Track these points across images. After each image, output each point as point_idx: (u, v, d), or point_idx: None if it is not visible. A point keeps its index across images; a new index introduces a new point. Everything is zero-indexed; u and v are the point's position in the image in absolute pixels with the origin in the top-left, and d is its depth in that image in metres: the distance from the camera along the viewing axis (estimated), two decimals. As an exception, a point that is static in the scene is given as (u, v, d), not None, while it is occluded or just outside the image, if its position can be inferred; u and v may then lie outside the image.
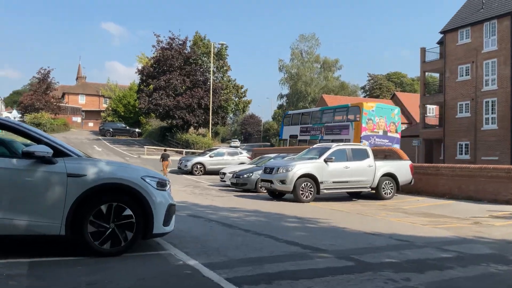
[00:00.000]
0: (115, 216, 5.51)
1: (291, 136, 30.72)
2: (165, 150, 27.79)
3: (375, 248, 6.85)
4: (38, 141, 5.46)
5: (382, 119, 25.09)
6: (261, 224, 9.16)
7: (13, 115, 56.68)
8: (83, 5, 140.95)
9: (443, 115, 37.97)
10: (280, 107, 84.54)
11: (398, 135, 25.83)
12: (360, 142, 22.85)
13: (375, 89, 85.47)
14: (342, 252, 6.43)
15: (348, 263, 5.78)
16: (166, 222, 5.87)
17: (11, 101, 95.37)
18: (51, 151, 5.29)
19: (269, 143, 72.93)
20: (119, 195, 5.59)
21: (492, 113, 34.14)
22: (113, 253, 5.48)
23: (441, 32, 38.18)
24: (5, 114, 59.43)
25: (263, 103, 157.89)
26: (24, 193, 5.22)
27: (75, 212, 5.33)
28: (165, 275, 4.83)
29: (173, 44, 43.63)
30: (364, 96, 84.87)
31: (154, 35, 45.09)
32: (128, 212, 5.58)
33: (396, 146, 23.88)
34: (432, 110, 46.96)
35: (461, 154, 36.12)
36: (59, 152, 5.44)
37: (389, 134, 25.37)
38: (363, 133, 24.33)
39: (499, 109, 33.41)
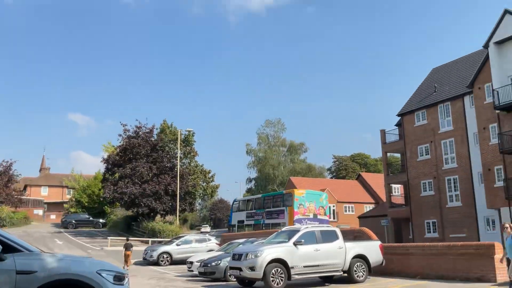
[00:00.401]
0: (69, 315, 5.07)
1: (238, 221, 32.85)
2: (127, 240, 26.63)
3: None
4: (-15, 237, 5.12)
5: (312, 204, 27.93)
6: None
7: (-30, 210, 53.97)
8: (52, 97, 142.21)
9: (408, 194, 38.71)
10: (249, 190, 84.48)
11: (327, 218, 28.56)
12: (294, 225, 25.10)
13: (340, 170, 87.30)
14: None
15: None
16: (124, 320, 5.44)
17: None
18: (0, 247, 4.95)
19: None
20: (73, 292, 5.19)
21: (455, 191, 35.06)
22: None
23: (398, 115, 40.13)
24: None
25: (232, 187, 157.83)
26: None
27: (25, 313, 4.88)
28: None
29: (140, 132, 43.89)
30: (331, 177, 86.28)
31: (121, 124, 45.37)
32: (82, 309, 5.15)
33: (325, 228, 25.79)
34: (398, 189, 47.94)
35: (429, 232, 36.37)
36: (9, 248, 5.10)
37: (318, 217, 27.93)
38: (296, 217, 26.80)
39: (461, 186, 34.39)
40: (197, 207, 68.93)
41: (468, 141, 34.05)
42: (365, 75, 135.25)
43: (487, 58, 30.94)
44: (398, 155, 45.96)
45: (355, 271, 14.73)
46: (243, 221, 32.35)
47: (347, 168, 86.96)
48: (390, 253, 16.34)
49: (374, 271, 15.83)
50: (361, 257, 14.99)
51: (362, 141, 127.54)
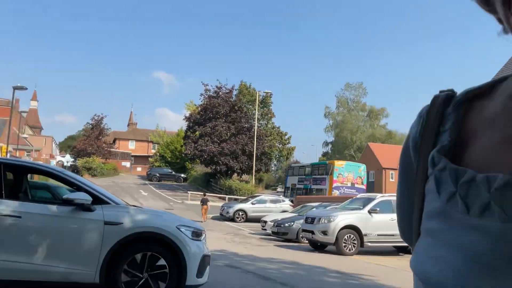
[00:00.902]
0: (149, 266, 5.46)
1: (292, 184, 36.99)
2: (204, 195, 27.97)
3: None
4: (78, 188, 5.59)
5: (350, 174, 31.77)
6: (299, 277, 8.83)
7: (66, 159, 59.21)
8: (138, 56, 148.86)
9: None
10: (325, 154, 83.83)
11: (364, 187, 32.32)
12: (332, 191, 29.73)
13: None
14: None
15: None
16: (199, 274, 5.74)
17: (66, 146, 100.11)
18: (90, 198, 5.38)
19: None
20: (153, 244, 5.56)
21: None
22: (145, 303, 5.40)
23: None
24: (58, 158, 62.40)
25: (308, 150, 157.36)
26: (63, 240, 5.30)
27: (110, 260, 5.32)
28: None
29: (220, 92, 44.84)
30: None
31: (202, 84, 46.59)
32: (162, 262, 5.51)
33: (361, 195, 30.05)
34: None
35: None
36: (98, 200, 5.53)
37: (356, 185, 31.52)
38: (334, 184, 30.72)
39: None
40: (273, 168, 69.94)
41: None
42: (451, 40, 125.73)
43: None
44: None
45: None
46: (295, 184, 36.34)
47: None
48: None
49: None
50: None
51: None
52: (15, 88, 26.06)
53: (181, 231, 5.68)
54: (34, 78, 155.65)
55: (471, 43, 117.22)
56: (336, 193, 29.70)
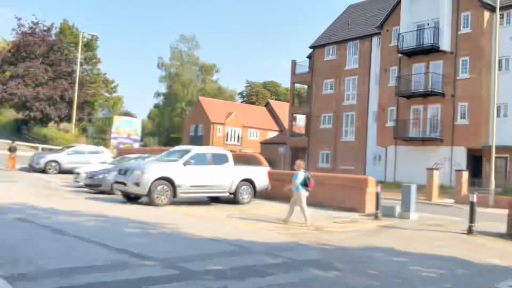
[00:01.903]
0: None
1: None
2: (12, 142, 25.27)
3: (208, 255, 6.74)
4: None
5: (126, 127, 38.72)
6: (98, 230, 8.53)
7: None
8: None
9: (309, 125, 40.43)
10: (156, 106, 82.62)
11: (138, 138, 39.57)
12: (111, 141, 37.14)
13: (252, 96, 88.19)
14: (171, 260, 6.19)
15: (171, 271, 5.55)
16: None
17: None
18: None
19: (142, 142, 70.78)
20: None
21: (350, 126, 37.24)
22: None
23: (310, 47, 40.66)
24: None
25: (140, 100, 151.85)
26: None
27: None
28: None
29: (37, 30, 39.88)
30: (242, 101, 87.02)
31: (15, 17, 40.89)
32: None
33: (136, 145, 37.96)
34: (302, 120, 49.85)
35: (323, 162, 38.77)
36: None
37: (130, 136, 38.62)
38: (113, 135, 37.75)
39: (357, 123, 36.59)
40: (101, 117, 66.38)
41: (369, 81, 35.78)
42: (285, 5, 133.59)
43: (399, 1, 31.87)
44: (306, 87, 47.25)
45: (241, 193, 15.29)
46: None
47: (258, 94, 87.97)
48: (276, 179, 17.06)
49: (260, 195, 16.57)
50: (248, 181, 15.53)
51: (278, 69, 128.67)
52: None
53: None
54: None
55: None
56: (114, 142, 37.02)
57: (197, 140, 58.15)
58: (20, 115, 42.35)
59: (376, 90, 34.48)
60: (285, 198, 16.80)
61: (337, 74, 37.89)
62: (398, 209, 14.07)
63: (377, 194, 13.43)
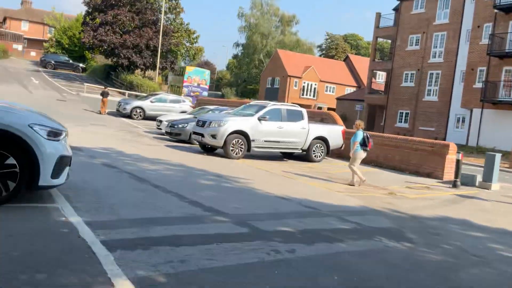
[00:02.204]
0: (-4, 164, 5.12)
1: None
2: (105, 88, 27.23)
3: (278, 214, 6.87)
4: None
5: (197, 77, 41.42)
6: (175, 180, 8.97)
7: None
8: None
9: (389, 82, 38.74)
10: (235, 57, 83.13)
11: (206, 87, 42.80)
12: (183, 89, 40.59)
13: (331, 49, 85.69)
14: (242, 217, 6.39)
15: (242, 229, 5.74)
16: (55, 175, 5.52)
17: None
18: None
19: (220, 93, 72.21)
20: (2, 142, 5.17)
21: (434, 85, 35.16)
22: (-8, 202, 5.15)
23: (397, -1, 38.24)
24: None
25: (219, 50, 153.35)
26: None
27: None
28: (36, 233, 4.55)
29: (125, -23, 41.04)
30: (320, 55, 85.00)
31: (106, -36, 42.11)
32: (12, 161, 5.19)
33: (205, 94, 41.18)
34: (382, 76, 47.85)
35: (401, 122, 37.29)
36: None
37: (200, 85, 41.52)
38: (185, 84, 40.73)
39: (441, 82, 34.44)
40: (182, 66, 68.73)
41: (459, 37, 33.20)
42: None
43: (501, -49, 28.67)
44: (389, 41, 44.91)
45: (314, 151, 15.25)
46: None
47: (337, 48, 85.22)
48: (350, 138, 16.75)
49: (333, 153, 16.43)
50: (321, 139, 15.41)
51: (360, 21, 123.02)
52: None
53: (34, 129, 5.32)
54: None
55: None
56: (185, 90, 40.31)
57: (273, 93, 58.12)
58: (109, 61, 44.63)
59: (466, 48, 31.95)
60: (359, 158, 16.51)
61: (425, 28, 35.49)
62: (479, 178, 13.32)
63: (458, 162, 12.74)
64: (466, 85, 30.96)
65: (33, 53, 67.90)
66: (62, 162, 5.62)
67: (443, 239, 6.65)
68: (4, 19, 71.12)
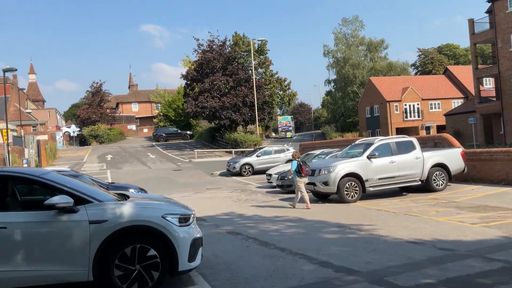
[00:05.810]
0: (140, 258, 5.57)
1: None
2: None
3: (413, 264, 6.51)
4: (60, 191, 5.62)
5: (284, 121, 68.92)
6: (299, 238, 8.98)
7: (72, 130, 59.56)
8: (124, 10, 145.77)
9: (499, 87, 35.77)
10: (328, 93, 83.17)
11: (291, 125, 69.53)
12: (278, 128, 66.68)
13: (426, 64, 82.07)
14: (377, 272, 6.16)
15: (380, 289, 5.52)
16: (191, 258, 5.86)
17: (70, 115, 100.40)
18: (71, 200, 5.42)
19: (320, 131, 72.19)
20: (142, 236, 5.65)
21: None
22: (141, 293, 5.57)
23: (488, 1, 35.87)
24: (65, 129, 62.70)
25: (311, 91, 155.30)
26: (51, 244, 5.39)
27: (101, 257, 5.44)
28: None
29: (213, 46, 43.99)
30: (416, 73, 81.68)
31: (194, 39, 46.12)
32: (152, 252, 5.62)
33: (288, 134, 66.89)
34: (489, 82, 44.41)
35: (524, 126, 33.90)
36: (80, 200, 5.58)
37: (287, 125, 68.31)
38: (278, 126, 69.52)
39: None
40: (278, 114, 71.36)
41: None
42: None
43: None
44: (489, 45, 41.87)
45: (434, 180, 14.41)
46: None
47: (433, 62, 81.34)
48: (472, 159, 15.61)
49: (455, 178, 15.38)
50: (440, 166, 14.55)
51: (451, 27, 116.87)
52: (4, 70, 25.72)
53: (167, 220, 5.75)
54: (28, 50, 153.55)
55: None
56: (279, 129, 67.88)
57: (374, 121, 56.64)
58: (212, 124, 47.33)
59: None
60: (485, 179, 15.25)
61: (529, 23, 32.60)
62: None
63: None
64: None
65: (145, 130, 74.40)
66: (195, 245, 5.96)
67: None
68: (117, 105, 79.45)
